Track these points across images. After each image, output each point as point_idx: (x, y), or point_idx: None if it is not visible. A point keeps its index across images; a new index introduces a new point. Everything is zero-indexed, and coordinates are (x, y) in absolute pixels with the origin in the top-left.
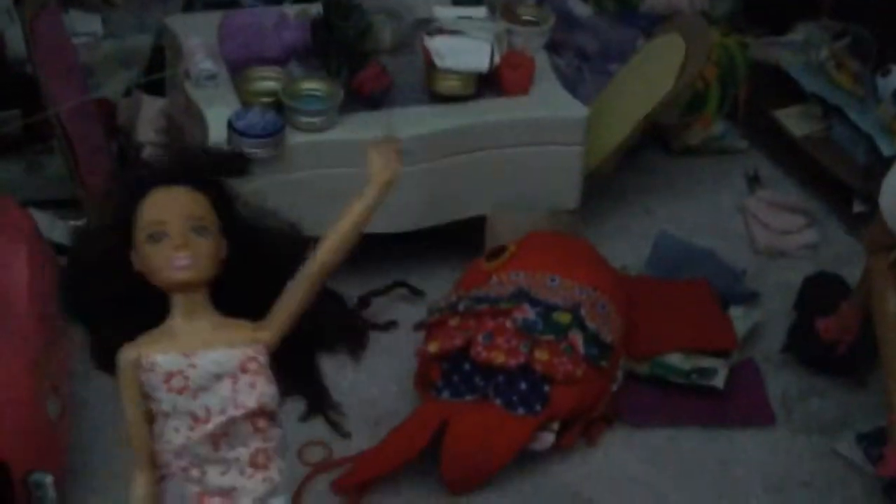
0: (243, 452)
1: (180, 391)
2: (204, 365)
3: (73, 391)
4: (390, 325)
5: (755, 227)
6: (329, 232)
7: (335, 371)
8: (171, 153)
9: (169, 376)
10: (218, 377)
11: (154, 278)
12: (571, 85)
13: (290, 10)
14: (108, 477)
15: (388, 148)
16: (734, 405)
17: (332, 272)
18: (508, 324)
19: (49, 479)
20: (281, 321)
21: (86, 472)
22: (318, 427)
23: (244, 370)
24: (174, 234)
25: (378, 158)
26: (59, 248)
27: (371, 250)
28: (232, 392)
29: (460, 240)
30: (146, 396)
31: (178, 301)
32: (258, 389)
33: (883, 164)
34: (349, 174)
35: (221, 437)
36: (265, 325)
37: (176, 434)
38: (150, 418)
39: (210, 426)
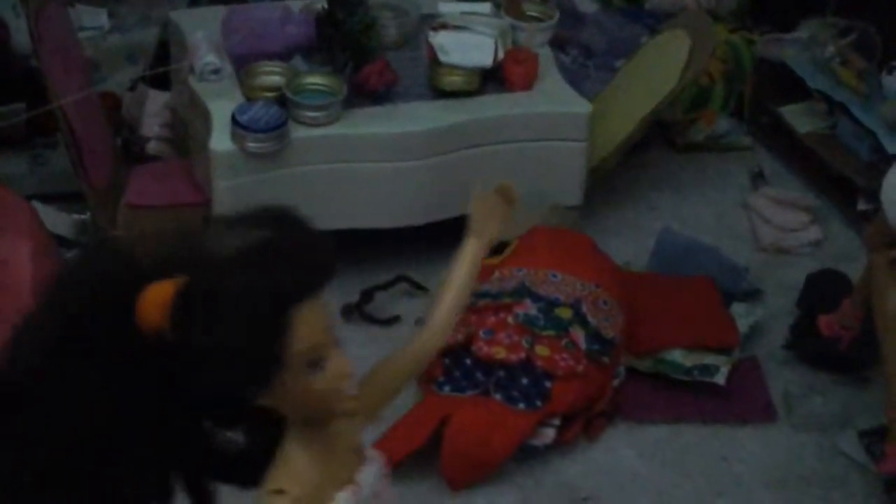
0: None
1: None
2: (364, 489)
3: None
4: (393, 320)
5: (759, 223)
6: (433, 311)
7: None
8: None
9: None
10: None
11: (299, 410)
12: (576, 81)
13: (295, 5)
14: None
15: (497, 199)
16: (736, 402)
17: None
18: (510, 319)
19: None
20: (376, 409)
21: None
22: None
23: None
24: (334, 356)
25: (481, 208)
26: (62, 242)
27: (374, 245)
28: None
29: (463, 235)
30: None
31: (312, 430)
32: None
33: (887, 162)
34: (352, 169)
35: None
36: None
37: None
38: None
39: None
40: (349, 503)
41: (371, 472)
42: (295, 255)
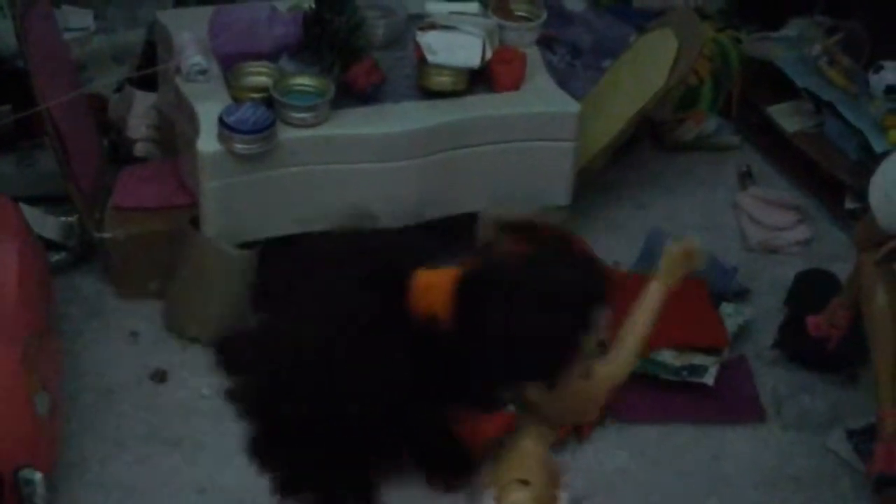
0: None
1: None
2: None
3: (64, 387)
4: None
5: (747, 223)
6: (618, 347)
7: None
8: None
9: None
10: None
11: (557, 409)
12: (564, 80)
13: (282, 5)
14: (100, 473)
15: (685, 254)
16: (725, 402)
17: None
18: None
19: (38, 476)
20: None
21: (76, 468)
22: None
23: None
24: (600, 368)
25: (671, 257)
26: (49, 244)
27: None
28: None
29: (452, 236)
30: None
31: (544, 433)
32: None
33: (874, 161)
34: (340, 170)
35: None
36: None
37: None
38: None
39: None
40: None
41: (569, 476)
42: (585, 264)
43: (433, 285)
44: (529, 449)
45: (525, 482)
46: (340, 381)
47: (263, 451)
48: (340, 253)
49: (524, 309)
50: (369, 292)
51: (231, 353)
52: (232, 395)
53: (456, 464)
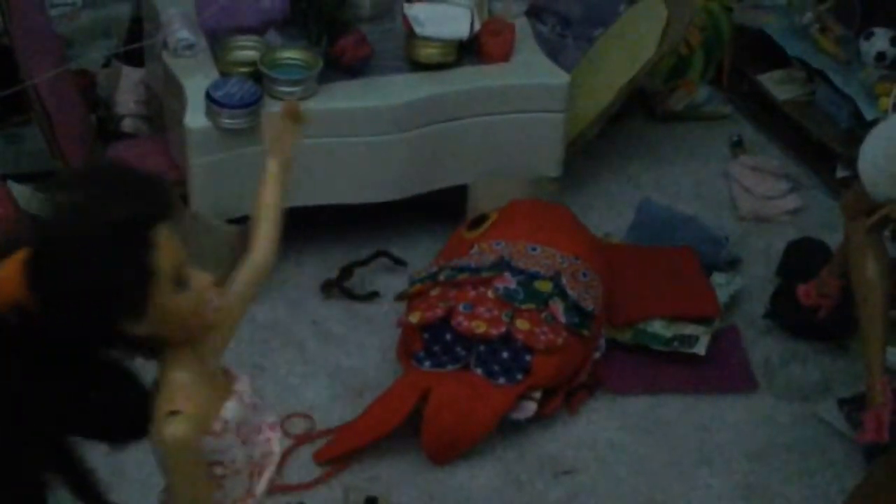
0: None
1: (245, 440)
2: (244, 398)
3: None
4: (372, 296)
5: (738, 192)
6: (258, 228)
7: (317, 343)
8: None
9: (241, 428)
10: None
11: (177, 329)
12: (553, 51)
13: None
14: (89, 455)
15: (286, 119)
16: (716, 372)
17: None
18: (489, 293)
19: None
20: (234, 321)
21: None
22: (301, 399)
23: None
24: (196, 273)
25: (272, 130)
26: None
27: (353, 220)
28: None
29: (442, 209)
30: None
31: (186, 351)
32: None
33: (865, 129)
34: (329, 144)
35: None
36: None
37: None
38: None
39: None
40: (237, 411)
41: (246, 383)
42: (131, 190)
43: (4, 277)
44: (173, 377)
45: (175, 412)
46: None
47: None
48: None
49: (77, 258)
50: None
51: None
52: None
53: (128, 427)
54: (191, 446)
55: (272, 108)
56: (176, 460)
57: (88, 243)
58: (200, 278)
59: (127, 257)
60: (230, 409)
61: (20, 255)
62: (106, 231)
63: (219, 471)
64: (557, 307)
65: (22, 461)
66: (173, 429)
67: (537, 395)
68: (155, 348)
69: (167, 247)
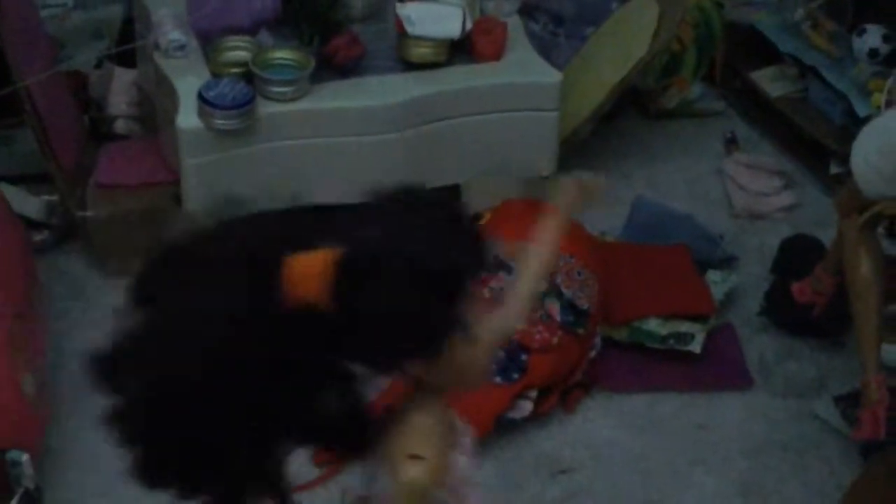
0: None
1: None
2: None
3: (50, 368)
4: None
5: (733, 189)
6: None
7: None
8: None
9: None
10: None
11: (450, 378)
12: (546, 50)
13: None
14: (87, 454)
15: (581, 190)
16: (712, 370)
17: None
18: (484, 293)
19: (25, 457)
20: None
21: (64, 448)
22: None
23: None
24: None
25: (566, 196)
26: (31, 224)
27: None
28: None
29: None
30: None
31: (435, 398)
32: None
33: (859, 125)
34: (322, 144)
35: None
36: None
37: None
38: None
39: None
40: (467, 466)
41: (468, 433)
42: (459, 236)
43: (307, 274)
44: (420, 422)
45: (418, 457)
46: (216, 393)
47: (153, 473)
48: (207, 249)
49: (397, 287)
50: (237, 287)
51: (106, 374)
52: (112, 421)
53: (351, 440)
54: (424, 493)
55: (265, 108)
56: (405, 502)
57: (417, 278)
58: (488, 337)
59: (446, 303)
60: (463, 464)
61: (328, 256)
62: (438, 272)
63: None
64: (554, 306)
65: (255, 446)
66: (414, 474)
67: (533, 394)
68: (409, 385)
69: (472, 301)
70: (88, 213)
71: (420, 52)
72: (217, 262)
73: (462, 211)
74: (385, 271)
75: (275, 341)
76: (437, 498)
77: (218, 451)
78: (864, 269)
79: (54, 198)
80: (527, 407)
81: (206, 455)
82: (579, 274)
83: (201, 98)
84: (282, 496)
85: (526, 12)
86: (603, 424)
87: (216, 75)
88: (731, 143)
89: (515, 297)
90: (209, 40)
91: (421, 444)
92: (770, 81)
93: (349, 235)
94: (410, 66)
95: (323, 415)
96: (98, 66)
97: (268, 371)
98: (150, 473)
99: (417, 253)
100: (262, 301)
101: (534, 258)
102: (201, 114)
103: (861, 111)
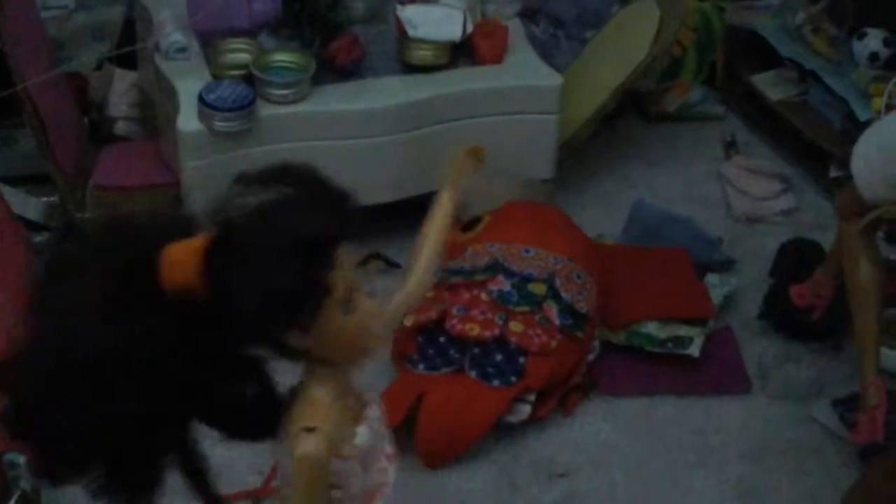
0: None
1: (365, 468)
2: (374, 424)
3: None
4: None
5: (732, 193)
6: (416, 260)
7: None
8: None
9: (365, 455)
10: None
11: (335, 350)
12: (546, 53)
13: None
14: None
15: (468, 157)
16: (710, 373)
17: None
18: (483, 296)
19: (23, 459)
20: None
21: None
22: None
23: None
24: (365, 300)
25: (454, 163)
26: (31, 225)
27: None
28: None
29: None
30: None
31: (331, 371)
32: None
33: (859, 129)
34: (323, 147)
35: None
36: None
37: None
38: None
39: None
40: (367, 437)
41: (376, 410)
42: (324, 204)
43: (179, 260)
44: (314, 394)
45: (311, 429)
46: (108, 381)
47: (47, 470)
48: (88, 248)
49: (262, 262)
50: (117, 280)
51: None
52: (5, 420)
53: (251, 421)
54: (320, 465)
55: (265, 110)
56: (302, 476)
57: (275, 251)
58: (368, 305)
59: (309, 272)
60: (362, 434)
61: (199, 243)
62: (295, 242)
63: (337, 494)
64: (551, 309)
65: (153, 433)
66: (307, 444)
67: (531, 397)
68: (304, 360)
69: (340, 268)
70: (87, 215)
71: (421, 55)
72: (96, 257)
73: (330, 179)
74: (248, 247)
75: (156, 330)
76: (342, 471)
77: (111, 438)
78: (863, 272)
79: (54, 199)
80: (525, 410)
81: (100, 443)
82: (578, 277)
83: (202, 100)
84: (192, 467)
85: (527, 15)
86: (601, 428)
87: (217, 77)
88: (731, 146)
89: (411, 271)
90: (210, 42)
91: (314, 416)
92: (770, 85)
93: (221, 219)
94: (411, 68)
95: (219, 400)
96: (99, 67)
97: (154, 360)
98: (49, 469)
99: (280, 225)
100: (139, 290)
101: (431, 232)
102: (202, 116)
103: (861, 115)
